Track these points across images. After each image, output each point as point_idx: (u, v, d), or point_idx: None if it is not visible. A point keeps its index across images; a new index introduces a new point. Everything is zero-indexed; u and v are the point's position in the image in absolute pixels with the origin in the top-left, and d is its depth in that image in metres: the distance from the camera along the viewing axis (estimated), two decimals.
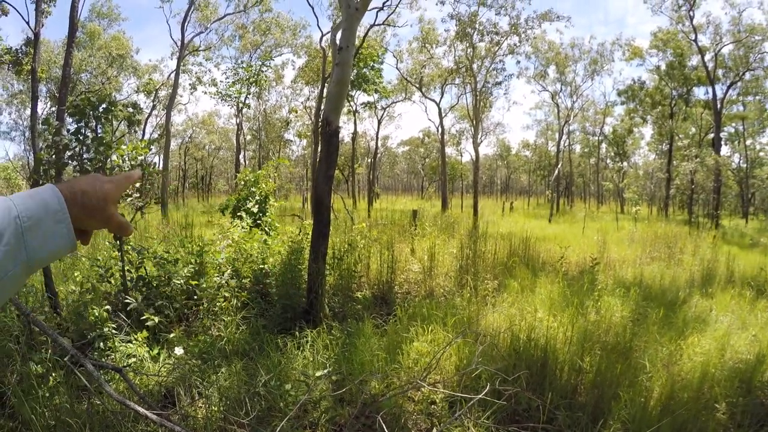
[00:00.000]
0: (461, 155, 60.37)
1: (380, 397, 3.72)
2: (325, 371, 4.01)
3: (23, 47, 10.62)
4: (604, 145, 56.02)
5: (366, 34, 25.18)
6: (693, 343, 5.53)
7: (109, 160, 5.60)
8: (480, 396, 3.34)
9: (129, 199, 5.83)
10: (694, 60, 34.65)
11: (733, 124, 46.58)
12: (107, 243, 7.49)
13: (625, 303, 6.84)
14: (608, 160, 59.05)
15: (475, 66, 28.19)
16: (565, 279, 7.71)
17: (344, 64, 6.24)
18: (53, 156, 5.52)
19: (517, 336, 4.91)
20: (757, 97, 42.02)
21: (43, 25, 8.70)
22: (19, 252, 0.74)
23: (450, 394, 4.04)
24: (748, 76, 34.55)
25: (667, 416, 3.88)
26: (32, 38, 8.77)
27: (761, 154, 52.19)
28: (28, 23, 9.09)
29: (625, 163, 52.99)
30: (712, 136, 34.28)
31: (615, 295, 7.18)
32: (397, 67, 35.05)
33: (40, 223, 0.78)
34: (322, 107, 6.30)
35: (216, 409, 3.75)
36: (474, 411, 3.80)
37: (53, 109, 28.11)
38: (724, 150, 45.62)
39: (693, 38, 31.33)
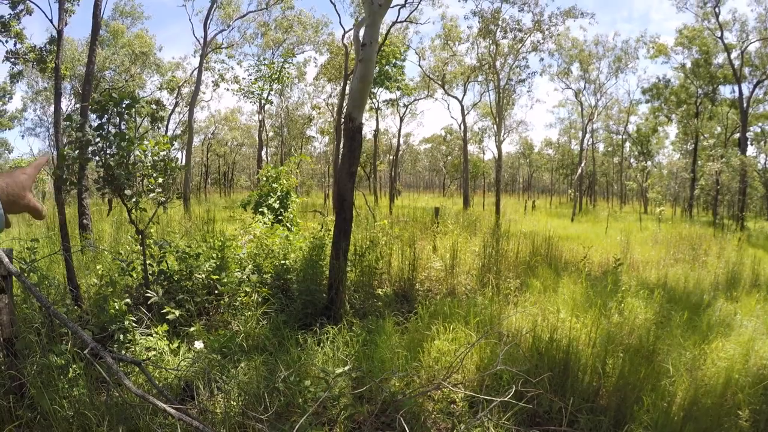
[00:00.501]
0: (483, 153, 60.31)
1: (400, 395, 3.70)
2: (346, 368, 3.99)
3: (47, 45, 10.77)
4: (627, 144, 55.52)
5: (388, 31, 25.19)
6: (717, 348, 5.43)
7: (131, 155, 5.63)
8: (503, 399, 3.30)
9: (152, 194, 5.87)
10: (720, 58, 34.29)
11: (760, 124, 45.76)
12: (129, 237, 7.55)
13: (648, 305, 6.75)
14: (632, 160, 58.55)
15: (498, 63, 28.05)
16: (588, 279, 7.63)
17: (367, 60, 6.22)
18: (76, 152, 5.57)
19: (539, 337, 4.86)
20: None
21: (66, 24, 8.78)
22: None
23: (471, 395, 4.01)
24: None
25: (690, 422, 3.81)
26: (56, 36, 8.84)
27: None
28: (51, 21, 9.16)
29: (649, 163, 52.44)
30: (738, 135, 33.85)
31: (638, 297, 7.08)
32: (419, 65, 35.19)
33: None
34: (345, 104, 6.29)
35: (235, 403, 3.75)
36: (495, 412, 3.76)
37: (77, 105, 28.47)
38: (751, 150, 44.91)
39: (719, 35, 30.99)
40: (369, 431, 3.28)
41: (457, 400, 4.10)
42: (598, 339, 4.94)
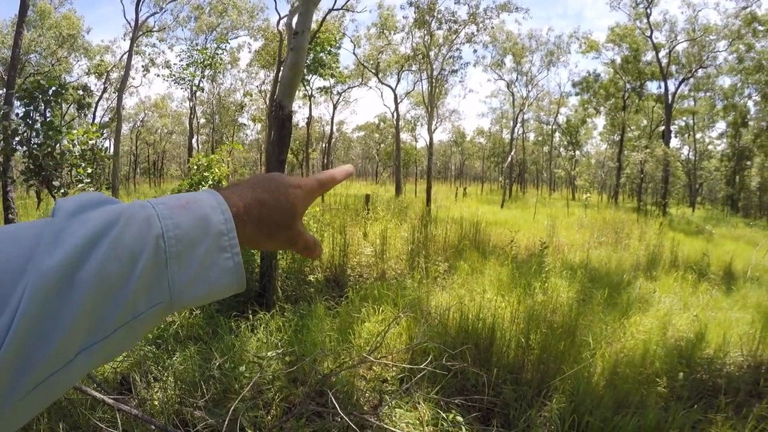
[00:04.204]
0: (416, 141, 60.73)
1: (331, 374, 3.81)
2: (278, 351, 4.08)
3: None
4: (557, 134, 57.26)
5: (324, 18, 25.04)
6: (636, 322, 5.77)
7: (59, 144, 5.52)
8: (426, 366, 3.46)
9: (80, 185, 5.77)
10: (649, 55, 35.94)
11: (684, 118, 48.34)
12: None
13: (571, 284, 7.06)
14: (561, 149, 60.43)
15: (432, 53, 28.24)
16: (515, 262, 7.91)
17: (299, 48, 6.23)
18: (1, 141, 5.42)
19: (466, 315, 5.05)
20: (708, 94, 43.69)
21: None
22: (157, 288, 0.50)
23: (400, 369, 4.15)
24: (700, 73, 36.29)
25: (610, 390, 4.07)
26: None
27: (710, 147, 54.28)
28: None
29: (577, 152, 54.37)
30: (662, 128, 35.42)
31: (562, 277, 7.40)
32: (354, 53, 35.04)
33: (195, 248, 0.53)
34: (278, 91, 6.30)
35: (172, 392, 3.77)
36: (423, 387, 3.93)
37: (0, 92, 27.17)
38: (674, 142, 47.50)
39: (649, 35, 32.42)
40: (302, 410, 3.38)
41: (389, 378, 4.24)
42: (522, 316, 5.18)
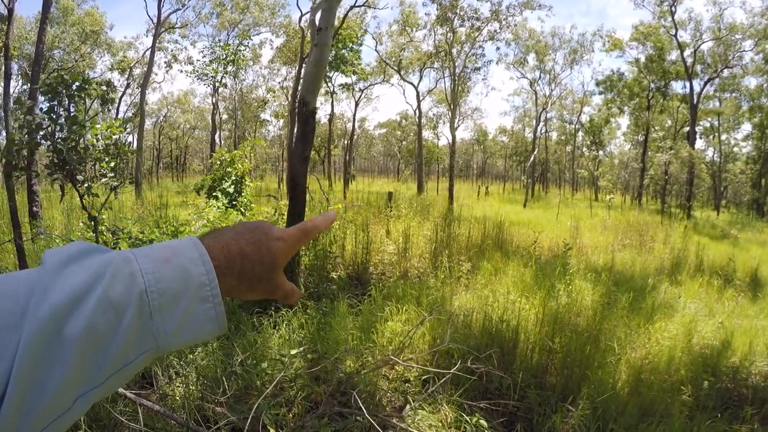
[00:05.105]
0: (438, 139, 60.61)
1: (355, 374, 3.78)
2: (301, 349, 4.05)
3: None
4: (580, 134, 56.75)
5: (346, 14, 25.03)
6: (661, 328, 5.67)
7: (83, 139, 5.54)
8: (452, 371, 3.41)
9: (104, 179, 5.78)
10: (674, 54, 35.45)
11: (709, 119, 47.60)
12: (81, 224, 7.41)
13: (595, 287, 6.95)
14: (584, 149, 59.83)
15: (454, 51, 28.12)
16: (538, 263, 7.83)
17: (323, 45, 6.21)
18: (26, 136, 5.44)
19: (489, 317, 5.00)
20: (734, 94, 42.96)
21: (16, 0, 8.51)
22: (144, 338, 0.54)
23: (424, 371, 4.12)
24: (726, 73, 35.62)
25: (635, 397, 4.00)
26: (5, 14, 8.52)
27: (735, 149, 53.45)
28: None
29: (600, 152, 53.79)
30: (687, 129, 34.97)
31: (586, 280, 7.29)
32: (376, 49, 34.98)
33: (177, 300, 0.56)
34: (299, 88, 6.27)
35: (193, 388, 3.77)
36: (447, 389, 3.89)
37: (25, 87, 27.59)
38: (699, 144, 46.80)
39: (673, 33, 31.95)
40: (325, 410, 3.35)
41: (411, 378, 4.21)
42: (546, 319, 5.11)
